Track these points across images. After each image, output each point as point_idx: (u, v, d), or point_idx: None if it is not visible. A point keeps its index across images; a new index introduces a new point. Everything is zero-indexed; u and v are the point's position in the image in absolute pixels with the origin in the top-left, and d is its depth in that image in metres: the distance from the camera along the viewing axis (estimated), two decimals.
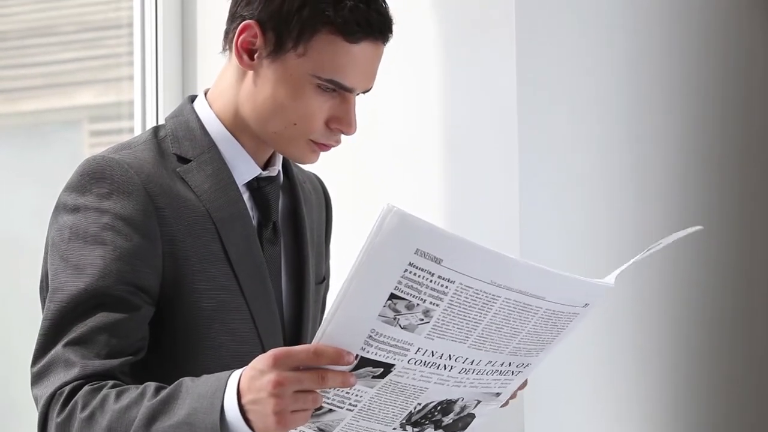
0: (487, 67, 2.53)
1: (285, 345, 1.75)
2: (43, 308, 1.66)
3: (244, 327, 1.70)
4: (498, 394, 1.53)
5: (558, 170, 2.60)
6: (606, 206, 2.72)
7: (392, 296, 1.36)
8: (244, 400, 1.44)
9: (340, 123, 1.70)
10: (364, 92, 1.73)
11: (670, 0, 2.89)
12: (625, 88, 2.78)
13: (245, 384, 1.44)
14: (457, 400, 1.50)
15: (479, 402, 1.52)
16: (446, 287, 1.36)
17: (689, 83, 2.93)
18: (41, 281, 1.70)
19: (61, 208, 1.66)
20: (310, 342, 1.80)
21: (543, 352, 1.49)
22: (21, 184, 3.16)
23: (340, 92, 1.69)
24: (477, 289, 1.37)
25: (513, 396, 1.59)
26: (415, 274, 1.35)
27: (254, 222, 1.75)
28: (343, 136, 1.73)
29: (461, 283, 1.36)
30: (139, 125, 2.97)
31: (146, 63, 2.96)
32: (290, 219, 1.83)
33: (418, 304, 1.37)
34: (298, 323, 1.79)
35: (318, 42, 1.67)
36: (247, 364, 1.46)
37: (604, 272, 1.47)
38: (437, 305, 1.37)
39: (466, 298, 1.38)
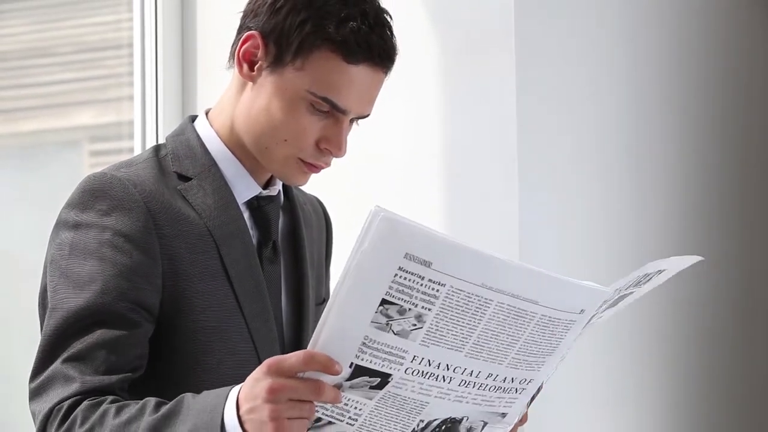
0: (486, 84, 2.54)
1: None
2: (42, 325, 1.66)
3: (242, 345, 1.69)
4: (504, 415, 1.51)
5: (558, 189, 2.60)
6: (605, 219, 2.72)
7: (384, 302, 1.35)
8: (241, 411, 1.43)
9: (330, 144, 1.69)
10: (359, 118, 1.73)
11: (670, 1, 2.90)
12: (625, 98, 2.78)
13: (243, 394, 1.43)
14: (462, 419, 1.48)
15: (486, 424, 1.50)
16: (437, 290, 1.35)
17: (689, 83, 2.94)
18: (40, 298, 1.69)
19: (61, 224, 1.66)
20: None
21: (544, 366, 1.47)
22: (21, 204, 3.16)
23: (334, 113, 1.69)
24: (468, 293, 1.36)
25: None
26: (405, 278, 1.34)
27: (254, 241, 1.75)
28: (339, 159, 1.73)
29: (452, 286, 1.35)
30: (139, 145, 2.97)
31: (146, 83, 2.97)
32: (290, 239, 1.82)
33: (410, 309, 1.36)
34: (297, 343, 1.78)
35: (316, 58, 1.67)
36: None
37: (605, 283, 1.47)
38: (429, 309, 1.36)
39: (458, 302, 1.36)
